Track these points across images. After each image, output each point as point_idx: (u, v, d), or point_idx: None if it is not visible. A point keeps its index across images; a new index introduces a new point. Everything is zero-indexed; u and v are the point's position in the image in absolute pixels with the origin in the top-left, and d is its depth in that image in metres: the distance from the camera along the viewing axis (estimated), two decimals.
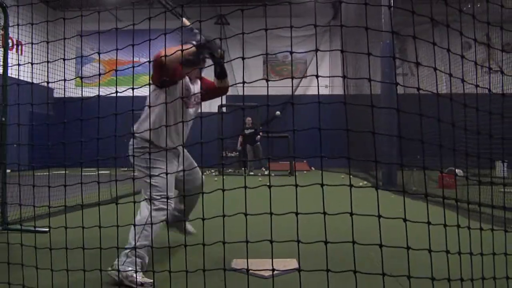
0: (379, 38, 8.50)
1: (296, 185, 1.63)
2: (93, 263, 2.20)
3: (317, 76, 1.59)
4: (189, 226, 3.28)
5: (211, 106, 9.33)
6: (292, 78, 1.57)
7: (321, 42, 15.96)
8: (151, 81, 2.58)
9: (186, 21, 2.71)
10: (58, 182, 2.08)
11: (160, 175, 2.37)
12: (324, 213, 1.55)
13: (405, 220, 1.52)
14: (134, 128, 2.64)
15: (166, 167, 2.12)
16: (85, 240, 1.96)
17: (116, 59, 1.92)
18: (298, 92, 15.81)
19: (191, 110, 2.79)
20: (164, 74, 2.43)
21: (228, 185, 1.73)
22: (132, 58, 2.24)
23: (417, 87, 1.68)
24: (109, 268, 2.36)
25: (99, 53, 1.93)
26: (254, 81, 1.81)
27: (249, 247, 1.71)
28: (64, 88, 2.20)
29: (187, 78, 2.71)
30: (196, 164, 2.96)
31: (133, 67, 1.98)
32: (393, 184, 7.73)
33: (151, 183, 2.51)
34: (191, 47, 2.42)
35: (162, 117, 2.52)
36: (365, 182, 9.09)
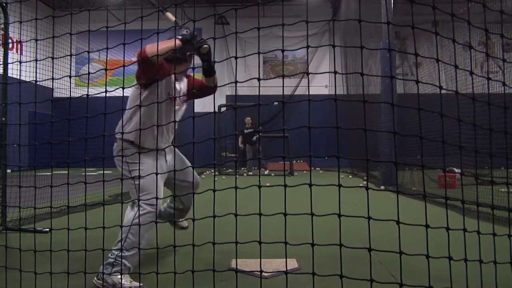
0: (379, 38, 8.50)
1: (311, 184, 1.62)
2: (93, 265, 2.20)
3: (307, 73, 1.59)
4: (183, 222, 3.19)
5: (210, 105, 9.35)
6: (283, 76, 1.54)
7: (320, 42, 15.98)
8: (135, 80, 2.49)
9: (170, 15, 2.62)
10: (55, 182, 2.07)
11: (146, 177, 2.24)
12: (340, 214, 1.54)
13: (426, 226, 1.51)
14: (116, 130, 2.53)
15: (156, 167, 2.04)
16: (79, 242, 1.96)
17: (124, 58, 1.93)
18: (298, 91, 15.81)
19: (177, 109, 2.65)
20: (149, 71, 2.35)
21: (229, 185, 1.73)
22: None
23: (439, 85, 1.67)
24: (95, 278, 2.29)
25: (107, 49, 1.93)
26: (246, 80, 1.79)
27: (249, 247, 1.71)
28: (70, 86, 2.20)
29: (172, 77, 2.54)
30: (189, 164, 2.84)
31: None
32: (394, 184, 7.74)
33: (136, 185, 2.37)
34: (175, 41, 2.29)
35: (147, 117, 2.43)
36: (365, 183, 9.10)
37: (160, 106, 2.45)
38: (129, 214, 2.47)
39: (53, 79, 2.09)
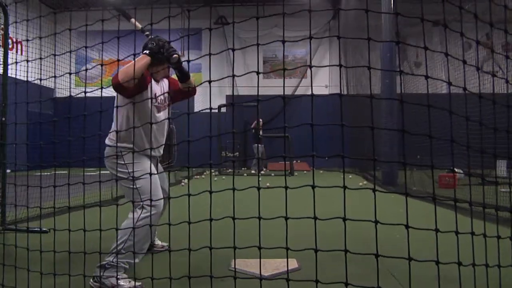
0: (380, 39, 8.49)
1: (314, 186, 1.60)
2: (90, 266, 2.20)
3: (310, 67, 1.57)
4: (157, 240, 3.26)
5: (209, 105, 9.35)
6: (284, 69, 1.52)
7: (320, 42, 15.98)
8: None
9: (137, 24, 2.64)
10: (52, 183, 2.06)
11: (146, 178, 2.24)
12: (345, 218, 1.53)
13: (436, 231, 1.49)
14: (111, 137, 2.55)
15: (150, 169, 2.00)
16: (76, 242, 1.95)
17: (118, 57, 1.92)
18: (299, 91, 15.80)
19: (162, 114, 2.67)
20: (125, 93, 2.38)
21: (229, 185, 1.71)
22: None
23: (447, 80, 1.65)
24: (91, 280, 2.26)
25: (102, 43, 1.92)
26: (245, 74, 1.78)
27: (249, 248, 1.70)
28: (70, 85, 2.19)
29: (152, 82, 2.60)
30: (164, 173, 2.98)
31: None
32: (394, 184, 7.72)
33: (136, 188, 2.36)
34: (144, 58, 2.33)
35: (140, 122, 2.46)
36: (365, 182, 9.09)
37: (146, 113, 2.49)
38: (130, 216, 2.41)
39: (51, 77, 2.08)
